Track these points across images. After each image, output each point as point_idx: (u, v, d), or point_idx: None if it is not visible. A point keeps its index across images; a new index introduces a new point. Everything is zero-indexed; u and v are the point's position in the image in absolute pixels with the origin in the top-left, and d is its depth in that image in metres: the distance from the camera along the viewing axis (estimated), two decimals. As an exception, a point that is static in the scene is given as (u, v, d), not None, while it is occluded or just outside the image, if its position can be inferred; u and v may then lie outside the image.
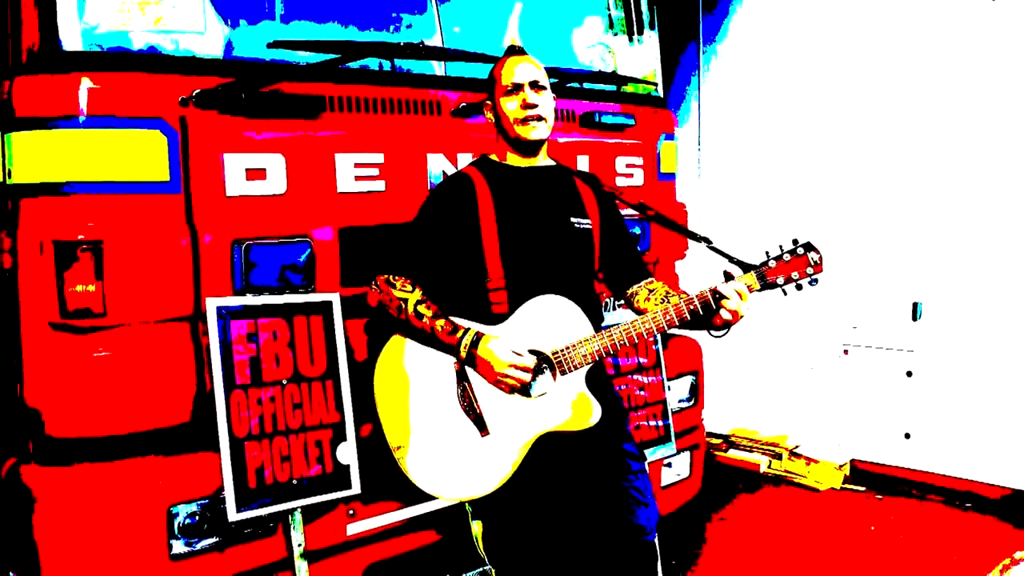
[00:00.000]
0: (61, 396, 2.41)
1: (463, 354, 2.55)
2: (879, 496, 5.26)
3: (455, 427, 2.62)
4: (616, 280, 2.90)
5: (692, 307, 2.58)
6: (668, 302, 2.63)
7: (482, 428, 2.62)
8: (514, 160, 2.79)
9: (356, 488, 2.71)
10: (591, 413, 2.59)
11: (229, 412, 2.47)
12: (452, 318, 2.62)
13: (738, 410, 6.13)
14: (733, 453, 5.97)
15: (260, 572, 2.58)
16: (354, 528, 2.79)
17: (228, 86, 2.53)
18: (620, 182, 3.73)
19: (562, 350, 2.60)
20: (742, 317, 2.57)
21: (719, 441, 6.10)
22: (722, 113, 6.02)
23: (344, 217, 2.81)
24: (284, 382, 2.61)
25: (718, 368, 6.03)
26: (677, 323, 2.59)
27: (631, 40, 3.94)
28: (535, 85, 2.69)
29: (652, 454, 3.60)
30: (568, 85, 3.51)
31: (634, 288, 2.86)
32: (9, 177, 2.39)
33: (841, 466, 5.56)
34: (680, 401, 3.95)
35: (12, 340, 2.44)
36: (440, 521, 2.99)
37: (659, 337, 3.69)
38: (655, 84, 4.00)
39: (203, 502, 2.47)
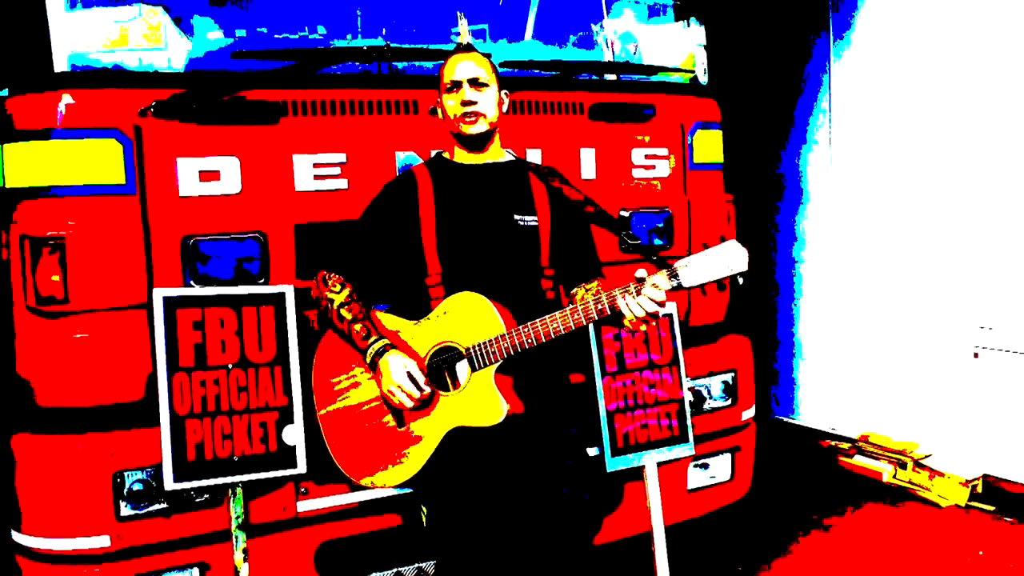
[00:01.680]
0: (37, 371, 2.90)
1: (368, 360, 2.78)
2: (1008, 519, 4.84)
3: (378, 417, 2.85)
4: (564, 278, 2.99)
5: (598, 308, 2.64)
6: (579, 303, 2.70)
7: (400, 422, 2.83)
8: (462, 156, 2.95)
9: (302, 468, 3.00)
10: (499, 410, 2.72)
11: (171, 392, 2.84)
12: (372, 320, 2.84)
13: (872, 413, 5.84)
14: (859, 460, 5.72)
15: (205, 539, 2.94)
16: (305, 506, 3.08)
17: (179, 96, 2.89)
18: (638, 174, 3.76)
19: (474, 347, 2.75)
20: (648, 319, 2.60)
21: (847, 446, 5.86)
22: (854, 106, 5.72)
23: (302, 214, 3.10)
24: (230, 366, 2.95)
25: (852, 366, 5.79)
26: (584, 323, 2.65)
27: (663, 26, 3.93)
28: (474, 82, 2.84)
29: (661, 454, 3.60)
30: (581, 76, 3.59)
31: (576, 288, 2.94)
32: (3, 182, 2.90)
33: (969, 481, 5.16)
34: (713, 400, 3.91)
35: (7, 321, 2.96)
36: (403, 505, 3.22)
37: (678, 334, 3.68)
38: (691, 72, 3.96)
39: (150, 471, 2.86)
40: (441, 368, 2.80)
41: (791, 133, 6.03)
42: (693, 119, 3.90)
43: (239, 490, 2.93)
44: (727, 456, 4.00)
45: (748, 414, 4.05)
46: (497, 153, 3.01)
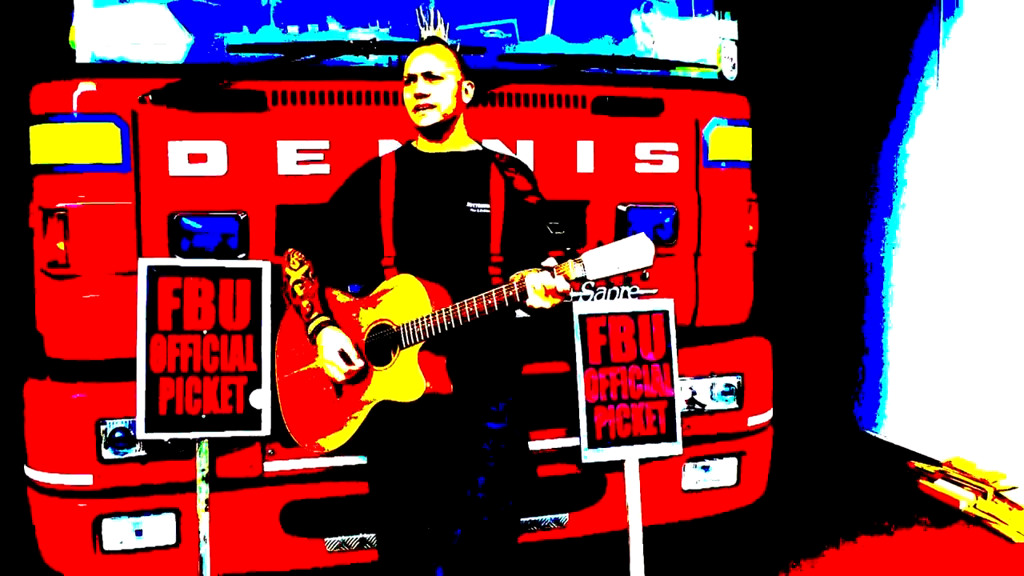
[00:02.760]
0: (46, 326, 3.37)
1: (308, 334, 3.05)
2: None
3: (322, 385, 3.12)
4: (509, 265, 3.12)
5: (509, 294, 2.78)
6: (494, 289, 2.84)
7: (338, 391, 3.09)
8: (423, 145, 3.16)
9: (266, 430, 3.31)
10: (419, 387, 2.91)
11: (148, 351, 3.23)
12: (322, 297, 3.11)
13: (960, 434, 5.56)
14: (939, 484, 5.47)
15: (179, 487, 3.31)
16: (271, 466, 3.40)
17: (171, 85, 3.27)
18: (643, 169, 3.82)
19: (402, 326, 2.96)
20: (550, 308, 2.72)
21: (933, 470, 5.60)
22: (963, 90, 5.43)
23: (284, 196, 3.41)
24: (204, 332, 3.30)
25: (942, 382, 5.54)
26: (496, 307, 2.79)
27: (680, 21, 3.96)
28: (428, 75, 3.04)
29: (643, 450, 3.66)
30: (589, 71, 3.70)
31: (514, 275, 3.08)
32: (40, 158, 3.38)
33: (1049, 519, 4.84)
34: (715, 402, 3.91)
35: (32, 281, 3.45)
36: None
37: (672, 331, 3.73)
38: (712, 67, 3.96)
39: (130, 421, 3.26)
40: (375, 344, 3.02)
41: (890, 127, 5.78)
42: (710, 114, 3.90)
43: (204, 445, 3.27)
44: (731, 460, 3.98)
45: (759, 419, 4.02)
46: (460, 142, 3.18)
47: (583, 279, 2.70)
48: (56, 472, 3.27)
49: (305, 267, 3.14)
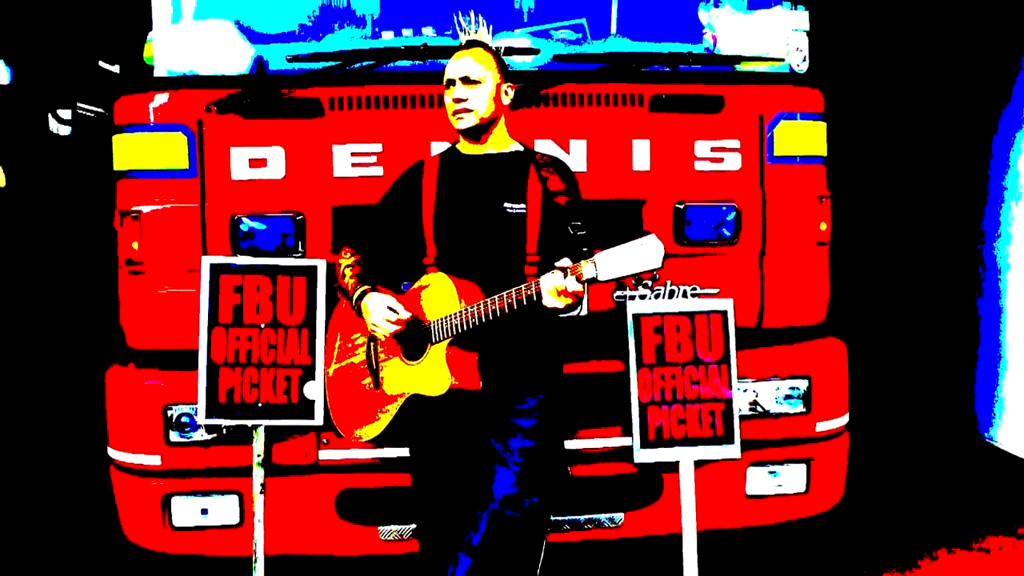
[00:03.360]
0: (125, 318, 3.70)
1: (354, 306, 3.19)
2: None
3: (362, 378, 3.28)
4: (546, 265, 3.19)
5: (527, 293, 2.86)
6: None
7: (376, 383, 3.25)
8: (465, 147, 3.27)
9: (319, 420, 3.51)
10: (444, 383, 3.03)
11: (209, 343, 3.49)
12: (367, 277, 3.25)
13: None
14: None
15: (237, 471, 3.55)
16: (326, 455, 3.59)
17: (233, 95, 3.52)
18: (703, 167, 3.78)
19: (433, 322, 3.09)
20: (568, 305, 2.77)
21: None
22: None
23: (339, 197, 3.60)
24: (262, 326, 3.54)
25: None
26: (516, 306, 2.87)
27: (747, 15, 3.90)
28: (466, 80, 3.14)
29: (699, 452, 3.64)
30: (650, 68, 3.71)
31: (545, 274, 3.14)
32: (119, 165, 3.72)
33: None
34: (780, 404, 3.83)
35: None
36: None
37: (731, 333, 3.68)
38: (780, 60, 3.88)
39: (194, 407, 3.53)
40: (408, 339, 3.15)
41: (1004, 114, 5.42)
42: (775, 109, 3.82)
43: (260, 432, 3.50)
44: (799, 466, 3.88)
45: (829, 424, 3.89)
46: (501, 143, 3.26)
47: (594, 279, 2.72)
48: (131, 452, 3.58)
49: (355, 259, 3.29)
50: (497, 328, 2.97)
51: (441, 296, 3.07)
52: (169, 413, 3.55)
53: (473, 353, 3.07)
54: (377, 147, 3.61)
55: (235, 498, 3.60)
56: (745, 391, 3.83)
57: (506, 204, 3.18)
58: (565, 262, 2.81)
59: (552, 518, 3.63)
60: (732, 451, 3.68)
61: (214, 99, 3.53)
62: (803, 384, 3.83)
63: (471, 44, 3.24)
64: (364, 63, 3.53)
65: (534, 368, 3.19)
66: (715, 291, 3.82)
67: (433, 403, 3.09)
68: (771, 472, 3.87)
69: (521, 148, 3.30)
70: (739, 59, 3.83)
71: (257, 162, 3.56)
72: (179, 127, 3.53)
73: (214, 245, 3.56)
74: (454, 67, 3.15)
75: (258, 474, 3.49)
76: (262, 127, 3.56)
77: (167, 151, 3.54)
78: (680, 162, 3.77)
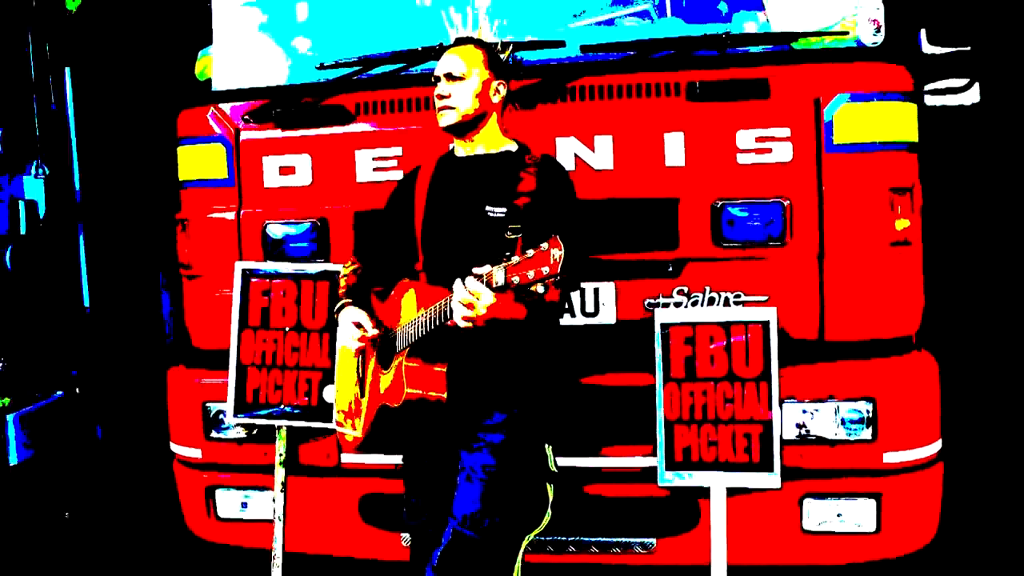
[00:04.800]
0: (187, 319, 4.02)
1: (335, 318, 3.28)
2: None
3: (355, 382, 3.36)
4: None
5: (432, 314, 2.81)
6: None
7: (362, 391, 3.31)
8: (458, 148, 3.26)
9: (335, 424, 3.62)
10: (401, 392, 3.02)
11: (239, 344, 3.71)
12: (356, 289, 3.31)
13: None
14: None
15: (263, 468, 3.75)
16: (347, 458, 3.69)
17: (265, 105, 3.71)
18: (746, 160, 3.46)
19: (391, 331, 3.10)
20: (474, 319, 2.68)
21: None
22: None
23: (361, 202, 3.68)
24: (287, 329, 3.70)
25: None
26: (429, 325, 2.83)
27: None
28: (449, 76, 3.12)
29: (731, 478, 3.34)
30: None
31: None
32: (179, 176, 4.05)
33: None
34: (838, 429, 3.42)
35: (180, 286, 4.13)
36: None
37: (773, 345, 3.34)
38: (843, 34, 3.45)
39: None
40: (382, 348, 3.17)
41: None
42: (834, 91, 3.40)
43: (283, 432, 3.66)
44: (866, 502, 3.43)
45: (901, 456, 3.40)
46: (492, 143, 3.17)
47: (502, 288, 2.60)
48: (182, 445, 3.88)
49: (353, 267, 3.35)
50: (466, 337, 2.90)
51: (408, 304, 3.06)
52: (208, 410, 3.78)
53: (438, 364, 3.01)
54: (397, 151, 3.63)
55: (271, 494, 3.78)
56: (806, 412, 3.44)
57: (487, 208, 3.09)
58: (486, 268, 2.69)
59: (578, 539, 3.53)
60: (770, 480, 3.33)
61: (247, 111, 3.72)
62: (865, 407, 3.38)
63: (460, 41, 3.19)
64: (382, 68, 3.57)
65: (505, 381, 3.07)
66: (763, 299, 3.46)
67: (398, 413, 3.07)
68: (832, 507, 3.45)
69: (515, 148, 3.19)
70: (794, 36, 3.45)
71: (287, 170, 3.72)
72: (219, 138, 3.76)
73: (249, 250, 3.76)
74: (441, 64, 3.12)
75: (279, 473, 3.65)
76: (293, 136, 3.70)
77: (208, 162, 3.79)
78: (720, 155, 3.46)
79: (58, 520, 5.18)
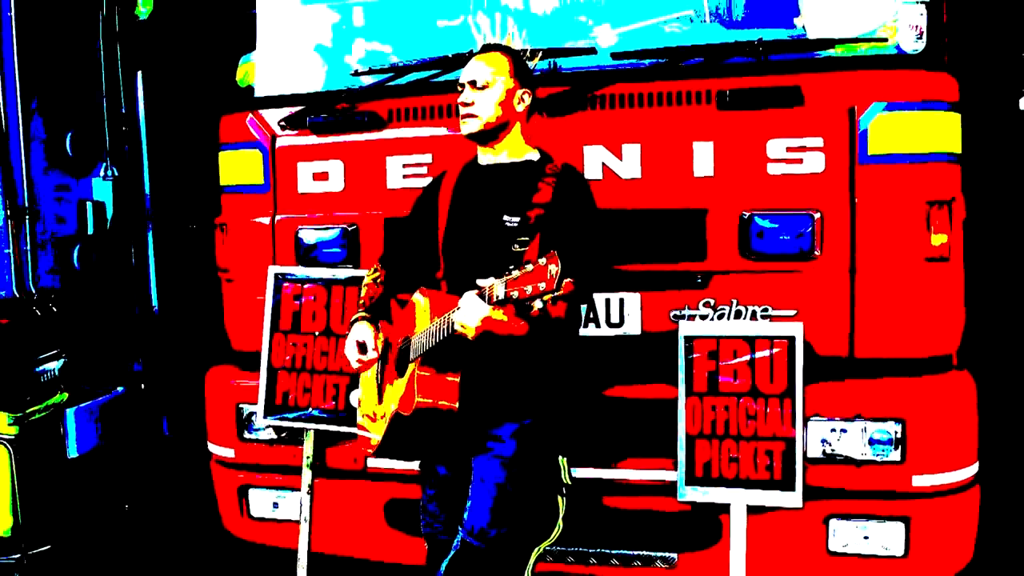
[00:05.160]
0: (231, 323, 4.13)
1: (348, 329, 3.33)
2: None
3: (376, 388, 3.41)
4: None
5: (441, 326, 2.84)
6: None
7: (380, 397, 3.35)
8: (480, 154, 3.27)
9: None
10: (411, 401, 3.06)
11: (271, 348, 3.79)
12: (378, 301, 3.35)
13: None
14: None
15: (294, 469, 3.82)
16: (373, 463, 3.73)
17: (299, 111, 3.78)
18: (777, 170, 3.39)
19: (404, 340, 3.14)
20: (477, 334, 2.70)
21: None
22: None
23: (391, 209, 3.72)
24: (316, 333, 3.77)
25: None
26: (436, 336, 2.85)
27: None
28: (473, 84, 3.14)
29: (752, 496, 3.29)
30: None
31: None
32: (220, 181, 4.15)
33: None
34: (865, 449, 3.34)
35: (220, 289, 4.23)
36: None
37: (798, 362, 3.28)
38: (882, 40, 3.35)
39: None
40: (400, 357, 3.20)
41: None
42: (869, 99, 3.30)
43: (310, 435, 3.73)
44: (894, 525, 3.33)
45: (933, 480, 3.29)
46: (515, 152, 3.17)
47: (501, 302, 2.61)
48: (217, 445, 3.99)
49: (377, 275, 3.39)
50: (477, 348, 2.92)
51: (422, 313, 3.08)
52: (241, 411, 3.87)
53: (451, 373, 3.03)
54: (426, 157, 3.66)
55: (308, 497, 3.85)
56: (832, 431, 3.36)
57: (505, 217, 3.10)
58: (489, 280, 2.70)
59: (600, 550, 3.52)
60: (791, 499, 3.26)
61: (284, 117, 3.80)
62: (894, 428, 3.28)
63: (486, 48, 3.20)
64: (414, 75, 3.61)
65: (517, 391, 3.07)
66: (791, 313, 3.39)
67: (413, 420, 3.10)
68: (858, 528, 3.36)
69: (537, 157, 3.19)
70: (830, 43, 3.35)
71: (320, 176, 3.78)
72: (256, 144, 3.84)
73: (280, 255, 3.83)
74: (465, 71, 3.13)
75: (306, 475, 3.72)
76: (326, 142, 3.76)
77: (246, 168, 3.88)
78: (749, 166, 3.39)
79: (118, 512, 5.36)
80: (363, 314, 3.23)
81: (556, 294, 2.53)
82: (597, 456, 3.49)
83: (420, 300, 3.11)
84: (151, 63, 6.05)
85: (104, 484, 5.32)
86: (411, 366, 3.05)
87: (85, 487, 5.17)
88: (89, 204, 5.81)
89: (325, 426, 3.68)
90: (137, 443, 5.69)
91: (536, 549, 3.19)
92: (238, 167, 3.90)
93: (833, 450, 3.34)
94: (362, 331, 3.16)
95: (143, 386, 5.93)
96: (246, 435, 3.89)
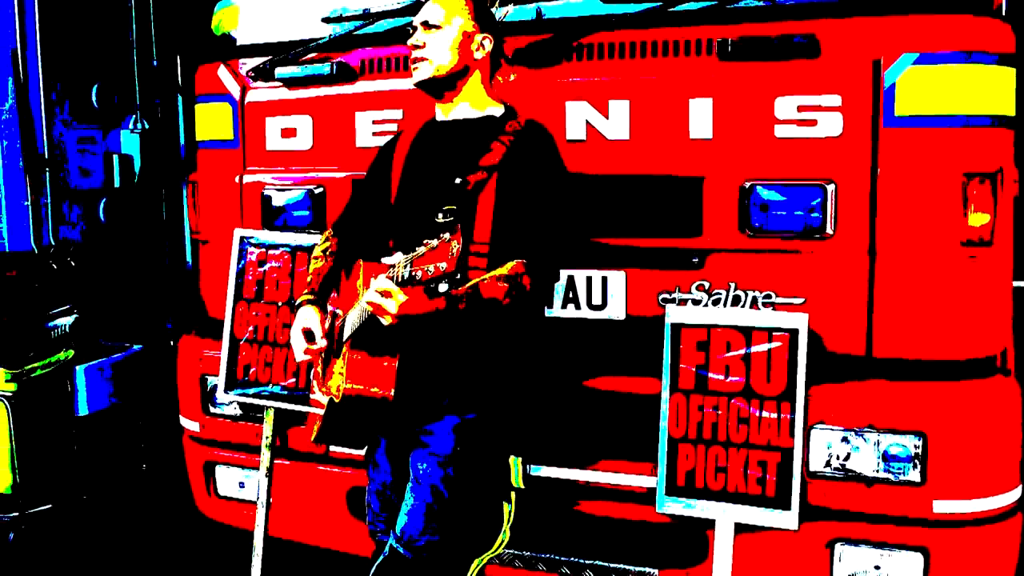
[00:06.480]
0: (205, 288, 3.89)
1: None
2: None
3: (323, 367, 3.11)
4: (498, 256, 2.69)
5: (360, 307, 2.52)
6: None
7: (323, 378, 3.05)
8: (438, 110, 2.91)
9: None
10: (337, 384, 2.74)
11: (234, 317, 3.53)
12: (327, 276, 3.02)
13: None
14: None
15: (257, 448, 3.57)
16: (335, 448, 3.44)
17: (268, 61, 3.48)
18: (785, 133, 2.90)
19: (342, 317, 2.82)
20: (392, 313, 2.37)
21: None
22: None
23: (361, 169, 3.38)
24: (279, 303, 3.49)
25: None
26: (367, 316, 2.53)
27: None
28: (426, 24, 2.77)
29: (741, 512, 2.86)
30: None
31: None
32: (195, 135, 3.90)
33: None
34: (878, 466, 2.86)
35: (195, 251, 3.99)
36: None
37: (800, 359, 2.82)
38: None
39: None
40: (335, 334, 2.88)
41: None
42: (900, 49, 2.77)
43: (270, 413, 3.47)
44: (911, 555, 2.84)
45: (959, 507, 2.79)
46: (476, 105, 2.81)
47: (405, 283, 2.26)
48: (185, 417, 3.77)
49: (327, 244, 3.06)
50: (411, 329, 2.58)
51: (360, 287, 2.76)
52: (206, 383, 3.64)
53: (387, 357, 2.69)
54: (396, 113, 3.31)
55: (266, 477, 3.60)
56: (842, 442, 2.89)
57: (456, 180, 2.73)
58: (397, 256, 2.35)
59: (573, 559, 3.16)
60: (785, 519, 2.82)
61: (252, 68, 3.51)
62: (911, 443, 2.78)
63: None
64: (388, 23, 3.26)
65: (460, 380, 2.71)
66: (799, 301, 2.92)
67: (339, 407, 2.78)
68: (868, 556, 2.89)
69: (500, 112, 2.81)
70: (857, -19, 2.83)
71: (288, 132, 3.48)
72: (227, 97, 3.57)
73: (247, 218, 3.56)
74: (422, 11, 2.77)
75: (265, 456, 3.47)
76: (295, 97, 3.46)
77: (217, 122, 3.61)
78: (754, 127, 2.92)
79: (132, 473, 5.25)
80: (308, 296, 2.90)
81: (457, 277, 2.16)
82: (569, 455, 3.09)
83: (361, 270, 2.78)
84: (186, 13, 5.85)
85: (116, 444, 5.21)
86: (345, 348, 2.72)
87: (94, 446, 5.07)
88: (116, 157, 5.67)
89: (284, 404, 3.42)
90: (155, 402, 5.55)
91: (476, 561, 2.84)
92: (211, 121, 3.63)
93: (840, 465, 2.86)
94: (308, 316, 2.84)
95: (172, 343, 5.79)
96: (211, 409, 3.65)
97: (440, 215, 2.50)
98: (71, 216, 5.50)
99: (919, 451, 2.77)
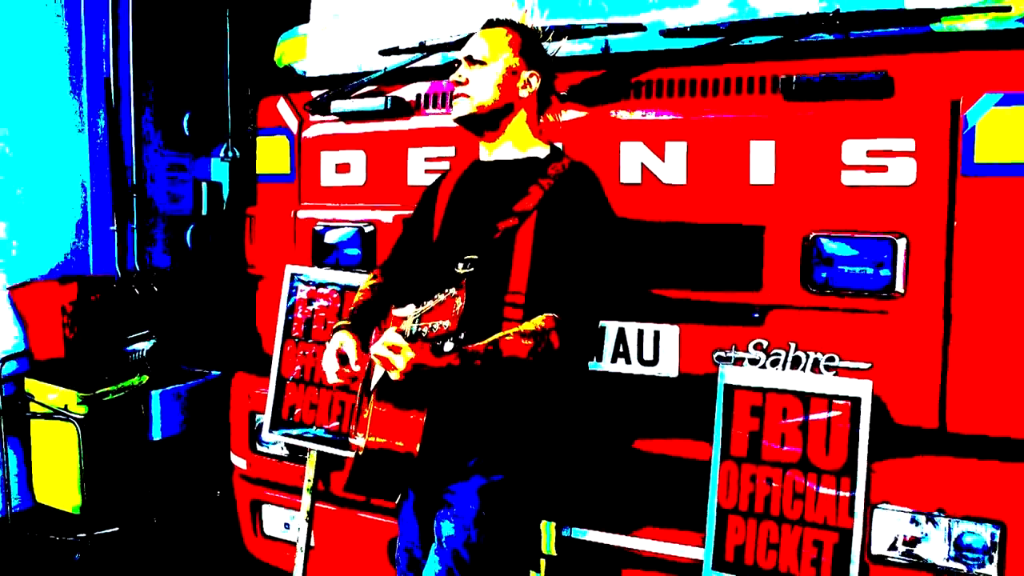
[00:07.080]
0: (261, 324, 3.86)
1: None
2: None
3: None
4: (536, 306, 2.55)
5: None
6: None
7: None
8: (482, 149, 2.80)
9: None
10: (362, 438, 2.63)
11: (282, 356, 3.48)
12: (366, 308, 2.93)
13: None
14: None
15: (300, 489, 3.50)
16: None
17: (324, 95, 3.43)
18: (853, 180, 2.68)
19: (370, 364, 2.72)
20: (400, 368, 2.25)
21: None
22: None
23: (412, 206, 3.30)
24: (326, 343, 3.41)
25: None
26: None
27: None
28: (470, 59, 2.67)
29: (790, 597, 2.64)
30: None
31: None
32: (255, 168, 3.88)
33: None
34: (950, 555, 2.58)
35: (251, 285, 3.95)
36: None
37: (863, 430, 2.58)
38: (1006, 9, 2.54)
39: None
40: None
41: None
42: (982, 89, 2.52)
43: (313, 456, 3.39)
44: (984, 667, 2.55)
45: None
46: (519, 145, 2.68)
47: (417, 335, 2.14)
48: (236, 454, 3.74)
49: (373, 281, 2.97)
50: (441, 382, 2.46)
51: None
52: (254, 421, 3.60)
53: (414, 411, 2.57)
54: (449, 151, 3.20)
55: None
56: (911, 524, 2.63)
57: (485, 227, 2.61)
58: (408, 309, 2.23)
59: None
60: (847, 609, 2.57)
61: (308, 101, 3.47)
62: (988, 532, 2.49)
63: (490, 23, 2.71)
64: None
65: (488, 440, 2.57)
66: (865, 366, 2.67)
67: (369, 460, 2.67)
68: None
69: (544, 153, 2.68)
70: (934, 15, 2.58)
71: (343, 167, 3.42)
72: (284, 130, 3.54)
73: (298, 254, 3.51)
74: (464, 47, 2.68)
75: (306, 500, 3.39)
76: (349, 131, 3.40)
77: (276, 155, 3.58)
78: (819, 173, 2.70)
79: (204, 498, 5.29)
80: (344, 322, 2.78)
81: (460, 337, 2.02)
82: (607, 519, 2.91)
83: (391, 317, 2.66)
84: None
85: (188, 469, 5.27)
86: (370, 398, 2.61)
87: (166, 471, 5.13)
88: (204, 185, 5.77)
89: (326, 447, 3.32)
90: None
91: (500, 634, 2.67)
92: (270, 154, 3.60)
93: (906, 551, 2.59)
94: (342, 338, 2.70)
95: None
96: (259, 448, 3.60)
97: (460, 265, 2.37)
98: (158, 242, 5.61)
99: (996, 542, 2.47)
